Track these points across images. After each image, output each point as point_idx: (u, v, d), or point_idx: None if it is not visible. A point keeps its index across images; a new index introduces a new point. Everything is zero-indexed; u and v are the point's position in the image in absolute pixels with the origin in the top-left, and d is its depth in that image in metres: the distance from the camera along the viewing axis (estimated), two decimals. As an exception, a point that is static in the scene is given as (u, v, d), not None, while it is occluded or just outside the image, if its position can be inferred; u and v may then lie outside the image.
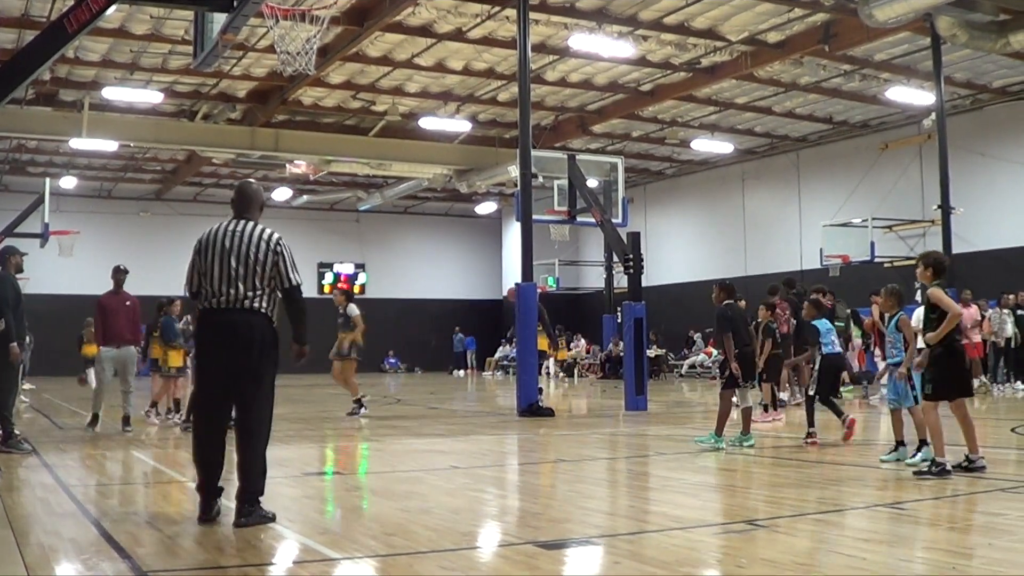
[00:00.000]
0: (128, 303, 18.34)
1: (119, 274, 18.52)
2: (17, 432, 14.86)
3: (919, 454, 11.91)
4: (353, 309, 21.65)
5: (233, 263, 8.62)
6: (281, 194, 49.76)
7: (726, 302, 15.37)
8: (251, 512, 8.37)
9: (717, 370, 15.84)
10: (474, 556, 7.62)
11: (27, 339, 19.10)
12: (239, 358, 8.55)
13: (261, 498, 8.55)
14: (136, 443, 16.26)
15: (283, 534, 8.30)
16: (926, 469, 11.12)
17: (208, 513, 8.48)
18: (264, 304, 8.67)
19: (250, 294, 8.59)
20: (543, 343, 25.47)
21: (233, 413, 8.68)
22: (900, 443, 12.38)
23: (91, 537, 8.12)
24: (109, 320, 17.99)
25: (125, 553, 7.35)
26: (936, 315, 11.22)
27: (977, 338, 26.81)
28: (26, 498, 10.45)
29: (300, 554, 7.65)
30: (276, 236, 8.86)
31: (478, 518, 9.49)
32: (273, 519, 8.48)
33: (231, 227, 8.84)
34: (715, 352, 38.08)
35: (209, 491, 8.56)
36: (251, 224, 8.89)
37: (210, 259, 8.71)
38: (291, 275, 8.78)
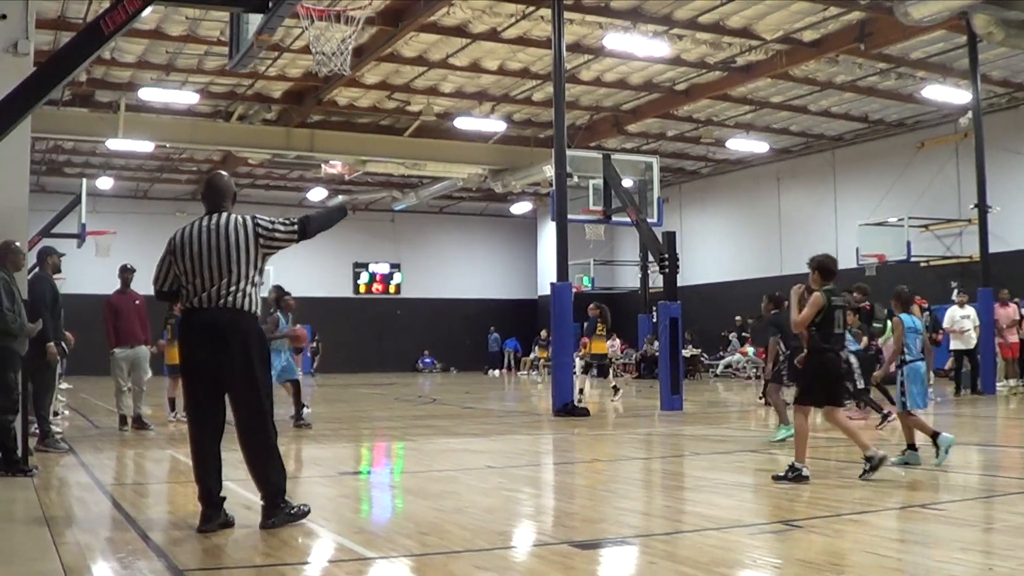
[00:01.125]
0: (137, 302, 18.39)
1: (127, 273, 18.54)
2: (57, 431, 14.95)
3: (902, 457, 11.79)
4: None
5: (214, 259, 8.37)
6: (316, 194, 49.87)
7: (774, 311, 15.69)
8: (277, 512, 8.28)
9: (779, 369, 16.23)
10: (509, 556, 7.64)
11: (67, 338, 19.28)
12: (225, 357, 8.32)
13: (287, 497, 8.45)
14: (172, 442, 16.32)
15: (318, 533, 8.33)
16: (783, 474, 11.02)
17: (208, 524, 8.20)
18: (247, 300, 8.39)
19: (232, 289, 8.32)
20: (602, 346, 25.46)
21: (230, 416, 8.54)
22: (911, 447, 12.18)
23: (127, 536, 8.16)
24: (121, 320, 18.02)
25: (161, 552, 7.39)
26: (819, 318, 11.23)
27: (1014, 338, 26.66)
28: (63, 497, 10.52)
29: (335, 553, 7.67)
30: (249, 218, 8.55)
31: (513, 518, 9.49)
32: (304, 514, 8.40)
33: (206, 223, 8.56)
34: (751, 351, 38.06)
35: (209, 501, 8.32)
36: (225, 216, 8.59)
37: (188, 258, 8.46)
38: (283, 230, 8.56)
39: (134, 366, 18.13)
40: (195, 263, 8.41)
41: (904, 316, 12.35)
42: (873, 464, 10.91)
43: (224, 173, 9.36)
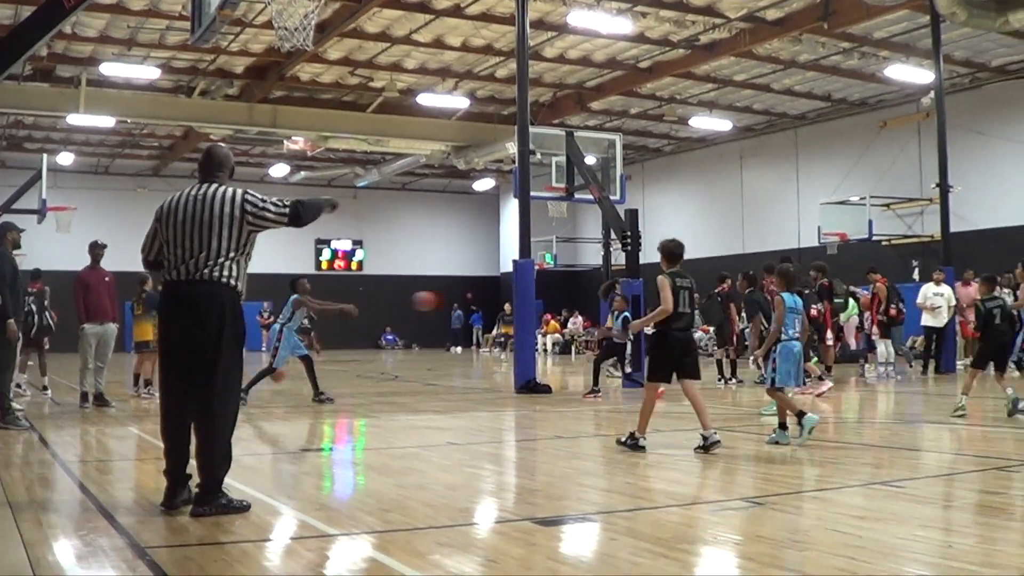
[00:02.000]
0: (107, 279, 18.28)
1: (98, 249, 18.41)
2: (18, 408, 14.88)
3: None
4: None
5: (197, 228, 8.06)
6: (279, 170, 49.78)
7: (749, 289, 16.23)
8: (209, 501, 7.89)
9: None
10: (471, 532, 7.63)
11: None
12: (199, 332, 8.01)
13: (225, 489, 8.08)
14: (134, 419, 16.26)
15: (280, 510, 8.33)
16: (624, 439, 11.69)
17: (172, 500, 8.01)
18: (228, 273, 8.07)
19: (211, 263, 8.01)
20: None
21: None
22: (781, 425, 12.14)
23: (89, 514, 8.11)
24: (91, 296, 17.90)
25: (123, 529, 7.36)
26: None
27: (972, 317, 26.83)
28: (24, 474, 10.46)
29: (298, 530, 7.65)
30: (239, 191, 8.23)
31: (475, 494, 9.49)
32: (241, 509, 7.98)
33: (194, 192, 8.25)
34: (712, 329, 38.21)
35: (175, 477, 8.09)
36: (215, 186, 8.28)
37: (172, 226, 8.16)
38: (273, 211, 8.21)
39: (102, 343, 18.03)
40: (177, 232, 8.13)
41: (785, 295, 12.36)
42: (705, 445, 11.29)
43: (223, 145, 9.16)
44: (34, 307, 21.40)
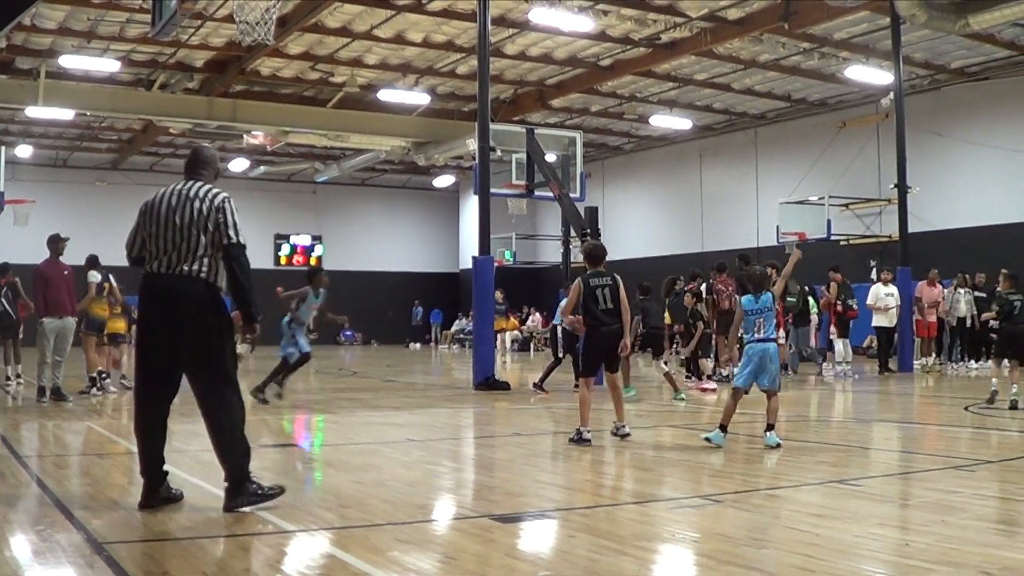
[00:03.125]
0: (66, 272, 18.19)
1: (59, 242, 18.28)
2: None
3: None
4: (93, 275, 20.06)
5: (176, 223, 8.06)
6: (238, 165, 49.59)
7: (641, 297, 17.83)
8: (241, 493, 7.92)
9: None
10: (430, 529, 7.64)
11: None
12: (180, 327, 7.97)
13: (255, 478, 8.09)
14: (91, 414, 16.19)
15: (238, 506, 8.30)
16: (573, 437, 12.15)
17: (151, 499, 7.99)
18: (205, 269, 8.04)
19: (190, 257, 8.00)
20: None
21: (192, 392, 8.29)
22: (722, 427, 12.16)
23: (45, 508, 8.08)
24: (51, 290, 17.80)
25: (80, 524, 7.33)
26: (586, 300, 12.34)
27: (933, 318, 26.98)
28: (-21, 468, 10.40)
29: (256, 526, 7.61)
30: (222, 194, 8.21)
31: (434, 491, 9.50)
32: (275, 494, 8.11)
33: (178, 188, 8.29)
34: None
35: (152, 475, 8.08)
36: (198, 184, 8.32)
37: (153, 220, 8.19)
38: (231, 232, 8.09)
39: (60, 337, 17.93)
40: (159, 226, 8.14)
41: (746, 297, 12.43)
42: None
43: (209, 146, 9.16)
44: (3, 300, 21.38)
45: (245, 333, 8.57)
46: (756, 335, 12.04)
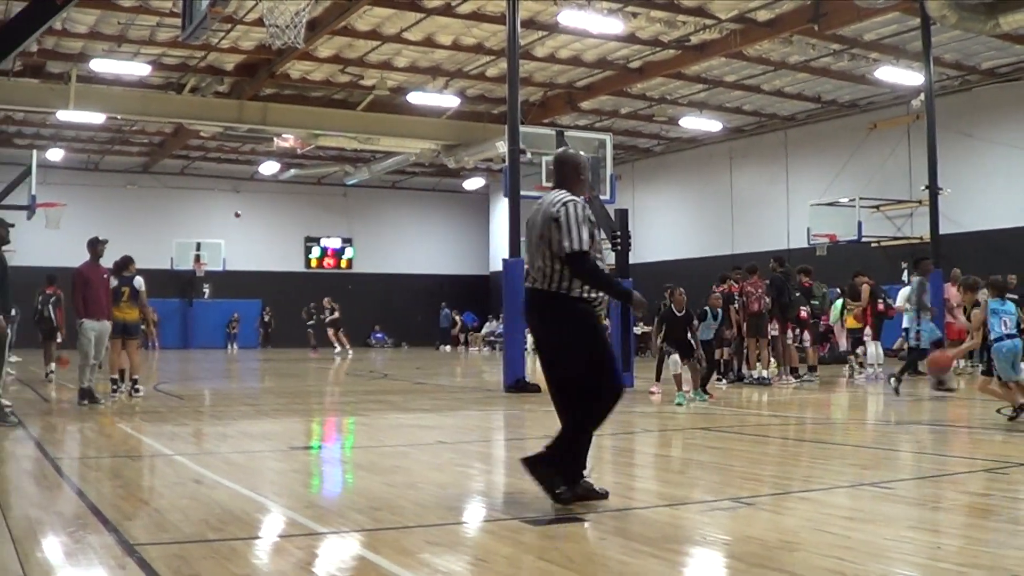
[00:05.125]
0: (105, 275, 18.20)
1: (99, 245, 18.25)
2: (7, 404, 14.84)
3: None
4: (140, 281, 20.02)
5: (531, 237, 8.17)
6: (268, 168, 49.80)
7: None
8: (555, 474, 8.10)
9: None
10: (460, 531, 7.64)
11: (13, 311, 19.10)
12: (541, 336, 8.23)
13: (586, 473, 8.25)
14: (122, 415, 16.24)
15: (269, 508, 8.32)
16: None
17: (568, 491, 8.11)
18: (552, 282, 7.95)
19: (535, 270, 8.06)
20: None
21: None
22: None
23: (78, 510, 8.11)
24: (91, 292, 17.76)
25: (112, 526, 7.34)
26: None
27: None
28: (12, 471, 10.45)
29: (287, 528, 7.64)
30: (559, 202, 8.00)
31: (464, 493, 9.49)
32: (603, 495, 8.20)
33: (542, 199, 8.30)
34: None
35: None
36: (552, 193, 8.22)
37: (526, 233, 8.36)
38: (563, 242, 7.84)
39: (97, 340, 17.94)
40: (528, 238, 8.29)
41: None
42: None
43: (570, 149, 8.89)
44: (50, 307, 22.33)
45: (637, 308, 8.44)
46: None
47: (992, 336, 13.90)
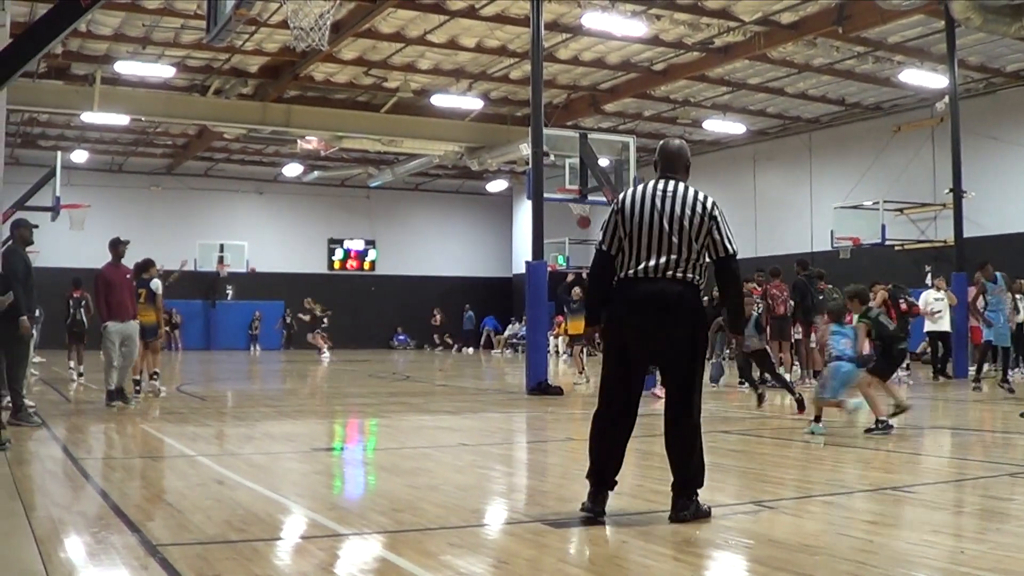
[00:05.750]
0: (128, 276, 18.20)
1: (120, 246, 18.21)
2: (30, 405, 14.88)
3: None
4: (157, 283, 20.33)
5: (665, 227, 7.70)
6: (292, 170, 49.91)
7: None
8: (689, 504, 7.77)
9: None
10: (482, 533, 7.65)
11: (37, 312, 19.17)
12: (665, 331, 7.68)
13: (699, 490, 7.91)
14: (145, 416, 16.29)
15: (291, 509, 8.34)
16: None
17: (594, 506, 7.73)
18: (692, 273, 7.70)
19: (678, 261, 7.65)
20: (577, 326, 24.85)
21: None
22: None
23: (100, 510, 8.14)
24: (114, 294, 17.74)
25: (135, 527, 7.37)
26: None
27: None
28: (36, 471, 10.49)
29: (309, 529, 7.66)
30: (711, 200, 7.91)
31: (486, 495, 9.50)
32: (706, 514, 7.83)
33: (660, 187, 7.95)
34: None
35: (600, 480, 7.83)
36: (682, 185, 7.97)
37: (637, 221, 7.77)
38: (727, 243, 7.75)
39: (125, 340, 17.94)
40: (643, 227, 7.78)
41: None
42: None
43: (675, 140, 8.68)
44: (81, 310, 23.10)
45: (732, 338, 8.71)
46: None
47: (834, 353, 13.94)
